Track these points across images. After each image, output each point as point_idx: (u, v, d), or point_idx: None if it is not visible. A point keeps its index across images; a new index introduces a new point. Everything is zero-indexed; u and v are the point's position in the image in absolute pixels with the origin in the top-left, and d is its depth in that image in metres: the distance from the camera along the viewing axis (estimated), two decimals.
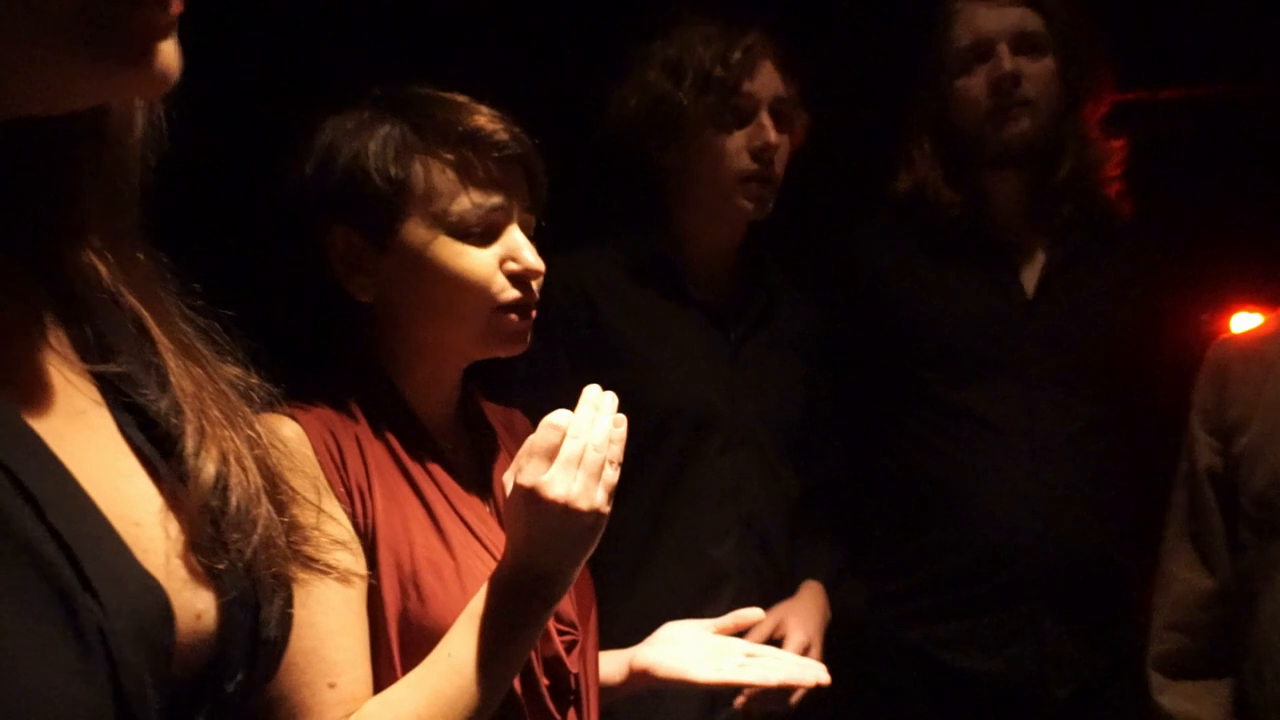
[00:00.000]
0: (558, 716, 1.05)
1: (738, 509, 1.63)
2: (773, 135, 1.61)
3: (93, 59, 0.48)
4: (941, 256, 1.77)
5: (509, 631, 0.94)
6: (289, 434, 0.99)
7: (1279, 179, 2.19)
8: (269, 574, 0.58)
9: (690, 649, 1.20)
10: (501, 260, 1.06)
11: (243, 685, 0.57)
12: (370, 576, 0.97)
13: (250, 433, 0.62)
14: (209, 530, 0.56)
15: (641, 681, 1.20)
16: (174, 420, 0.57)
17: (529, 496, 0.93)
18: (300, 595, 0.64)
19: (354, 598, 0.95)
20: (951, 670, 1.68)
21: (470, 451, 1.14)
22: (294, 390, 1.02)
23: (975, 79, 1.71)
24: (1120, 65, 1.93)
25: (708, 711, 1.56)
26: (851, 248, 1.87)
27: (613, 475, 0.96)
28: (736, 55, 1.58)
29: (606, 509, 0.95)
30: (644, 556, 1.57)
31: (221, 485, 0.57)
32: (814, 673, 1.21)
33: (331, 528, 0.69)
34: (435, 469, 1.07)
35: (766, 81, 1.62)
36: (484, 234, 1.06)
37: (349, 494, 1.00)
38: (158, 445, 0.57)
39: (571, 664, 1.07)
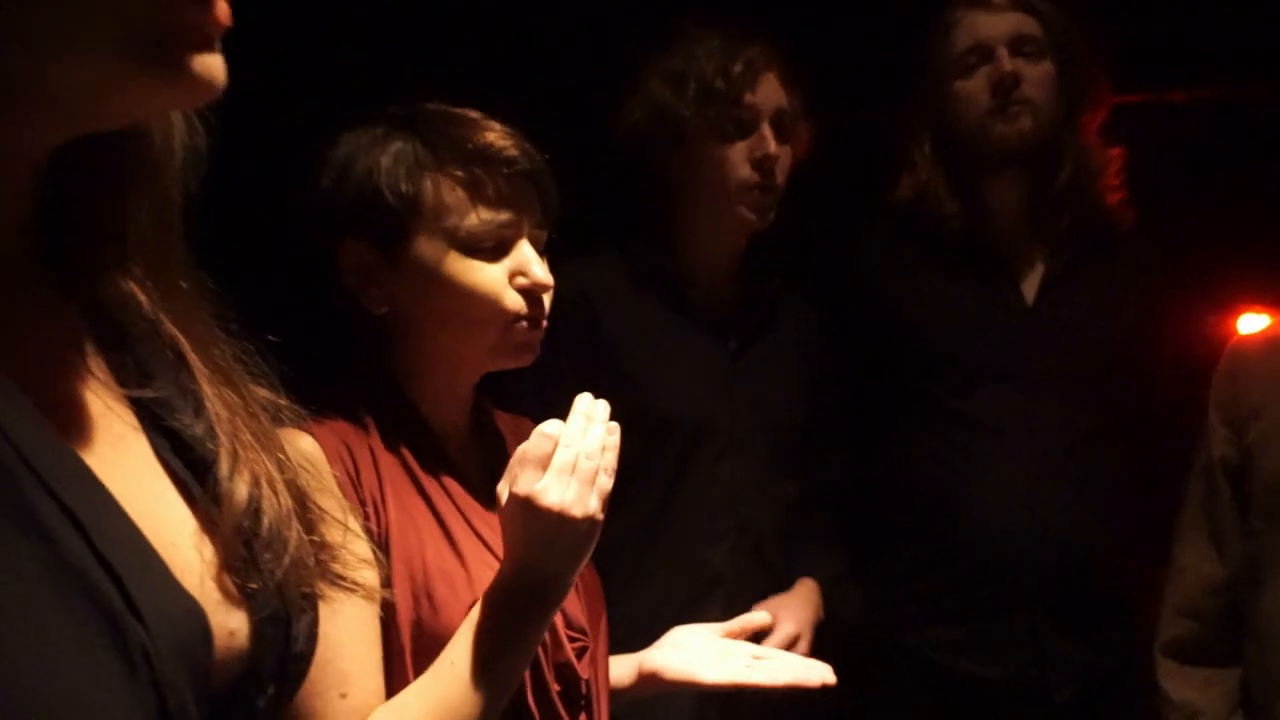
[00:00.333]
0: None
1: (734, 515, 1.65)
2: (773, 146, 1.63)
3: (143, 69, 0.49)
4: (941, 264, 1.79)
5: (510, 637, 0.96)
6: (305, 447, 1.01)
7: None
8: (299, 593, 0.60)
9: (698, 652, 1.23)
10: (511, 275, 1.08)
11: (273, 699, 0.59)
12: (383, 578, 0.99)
13: (280, 455, 0.63)
14: (242, 551, 0.58)
15: (651, 684, 1.22)
16: (208, 445, 0.59)
17: (524, 505, 0.95)
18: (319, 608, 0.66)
19: (368, 610, 0.97)
20: (953, 674, 1.70)
21: (482, 461, 1.16)
22: (309, 402, 1.04)
23: (975, 81, 1.73)
24: (1126, 67, 1.94)
25: (700, 711, 1.58)
26: (852, 255, 1.89)
27: (607, 482, 0.98)
28: (738, 68, 1.60)
29: (601, 515, 0.97)
30: (641, 561, 1.59)
31: (254, 507, 0.59)
32: (820, 673, 1.23)
33: (358, 546, 0.71)
34: (447, 479, 1.08)
35: (768, 93, 1.63)
36: (494, 249, 1.08)
37: (363, 505, 1.01)
38: (192, 469, 0.58)
39: (582, 669, 1.09)
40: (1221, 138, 2.31)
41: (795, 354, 1.76)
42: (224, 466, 0.58)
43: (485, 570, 1.05)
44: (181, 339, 0.61)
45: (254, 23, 0.59)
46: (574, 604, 1.11)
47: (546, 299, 1.10)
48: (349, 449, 1.04)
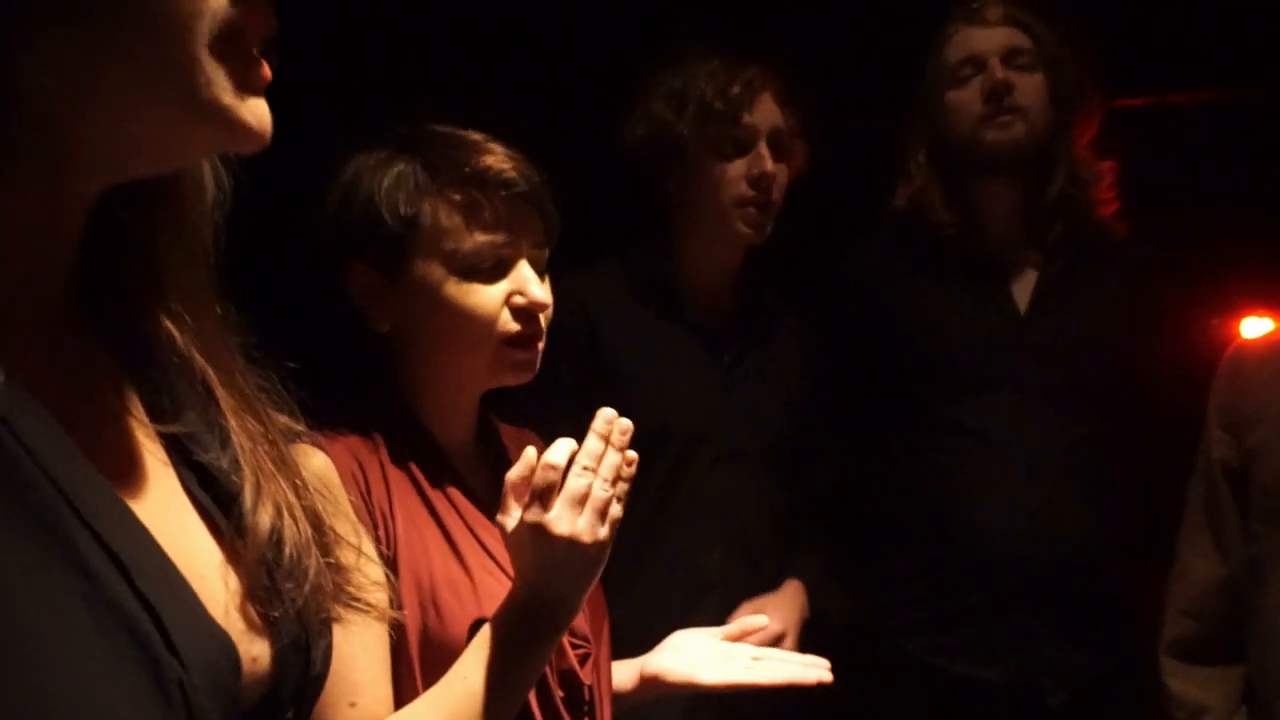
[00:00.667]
0: None
1: (726, 522, 1.69)
2: (769, 165, 1.67)
3: (202, 118, 0.52)
4: (937, 273, 1.82)
5: (520, 656, 0.99)
6: (318, 464, 1.03)
7: None
8: (317, 619, 0.63)
9: (699, 655, 1.25)
10: (509, 295, 1.10)
11: (291, 719, 0.61)
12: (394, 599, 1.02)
13: (297, 480, 0.66)
14: (265, 580, 0.60)
15: (653, 688, 1.25)
16: (233, 478, 0.61)
17: (535, 531, 0.97)
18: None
19: (378, 626, 0.98)
20: (949, 677, 1.73)
21: (487, 474, 1.18)
22: (320, 419, 1.07)
23: (968, 90, 1.76)
24: (1128, 70, 1.95)
25: (692, 713, 1.60)
26: (849, 263, 1.92)
27: (618, 510, 0.99)
28: (736, 88, 1.63)
29: (610, 541, 0.99)
30: (637, 566, 1.62)
31: (276, 538, 0.61)
32: (817, 671, 1.27)
33: (370, 569, 0.73)
34: (453, 492, 1.11)
35: (766, 113, 1.67)
36: (493, 270, 1.10)
37: (372, 518, 1.04)
38: (218, 501, 0.60)
39: (585, 676, 1.12)
40: (1223, 140, 2.32)
41: (790, 365, 1.79)
42: (248, 499, 0.61)
43: (490, 581, 1.08)
44: (210, 372, 0.63)
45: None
46: None
47: (544, 317, 1.13)
48: (359, 464, 1.06)
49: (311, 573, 0.62)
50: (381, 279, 1.11)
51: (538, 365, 1.15)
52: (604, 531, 0.98)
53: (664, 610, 1.55)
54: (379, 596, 0.74)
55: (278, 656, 0.60)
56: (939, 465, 1.75)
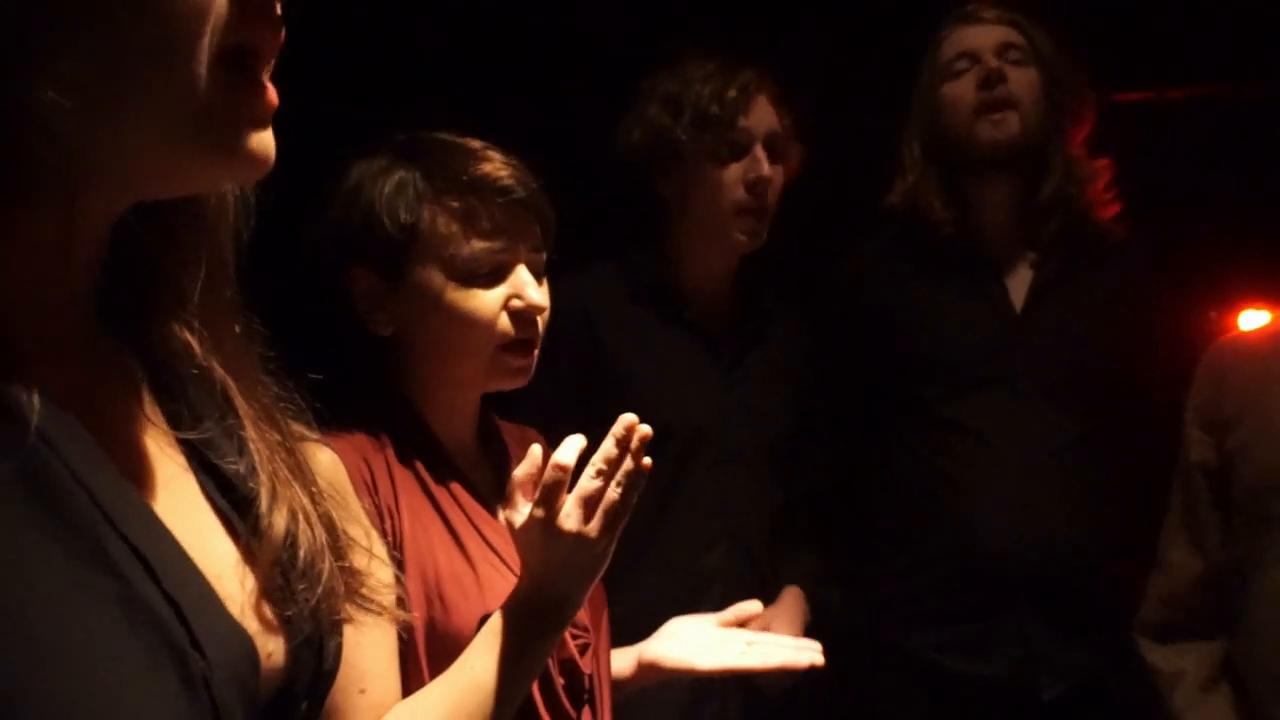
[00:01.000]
0: (573, 714, 1.13)
1: (725, 521, 1.71)
2: (766, 169, 1.68)
3: (206, 149, 0.54)
4: (933, 272, 1.83)
5: (525, 647, 1.02)
6: (327, 462, 1.05)
7: None
8: (330, 619, 0.65)
9: (695, 641, 1.29)
10: (507, 299, 1.13)
11: (305, 713, 0.64)
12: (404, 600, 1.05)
13: (313, 488, 0.68)
14: (279, 581, 0.62)
15: (651, 674, 1.29)
16: (249, 483, 0.63)
17: (544, 527, 1.00)
18: None
19: (386, 620, 1.04)
20: (945, 673, 1.74)
21: (489, 471, 1.22)
22: (329, 419, 1.10)
23: (962, 83, 1.78)
24: (1127, 65, 1.96)
25: (692, 705, 1.64)
26: (847, 265, 1.94)
27: (625, 512, 1.02)
28: (732, 93, 1.66)
29: (615, 540, 1.03)
30: (637, 563, 1.63)
31: (291, 541, 0.63)
32: (809, 655, 1.30)
33: (381, 571, 0.75)
34: (456, 489, 1.15)
35: (761, 117, 1.69)
36: (491, 275, 1.13)
37: (379, 514, 1.08)
38: (235, 505, 0.63)
39: (585, 665, 1.16)
40: (1222, 135, 2.33)
41: (786, 365, 1.82)
42: (264, 503, 0.63)
43: (493, 574, 1.11)
44: (230, 383, 0.65)
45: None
46: None
47: (541, 320, 1.16)
48: (366, 461, 1.10)
49: (325, 575, 0.64)
50: (383, 284, 1.14)
51: (532, 371, 1.18)
52: (611, 531, 1.01)
53: (665, 608, 1.56)
54: (389, 598, 0.77)
55: (292, 653, 0.62)
56: (935, 463, 1.76)
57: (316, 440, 0.76)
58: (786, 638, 1.38)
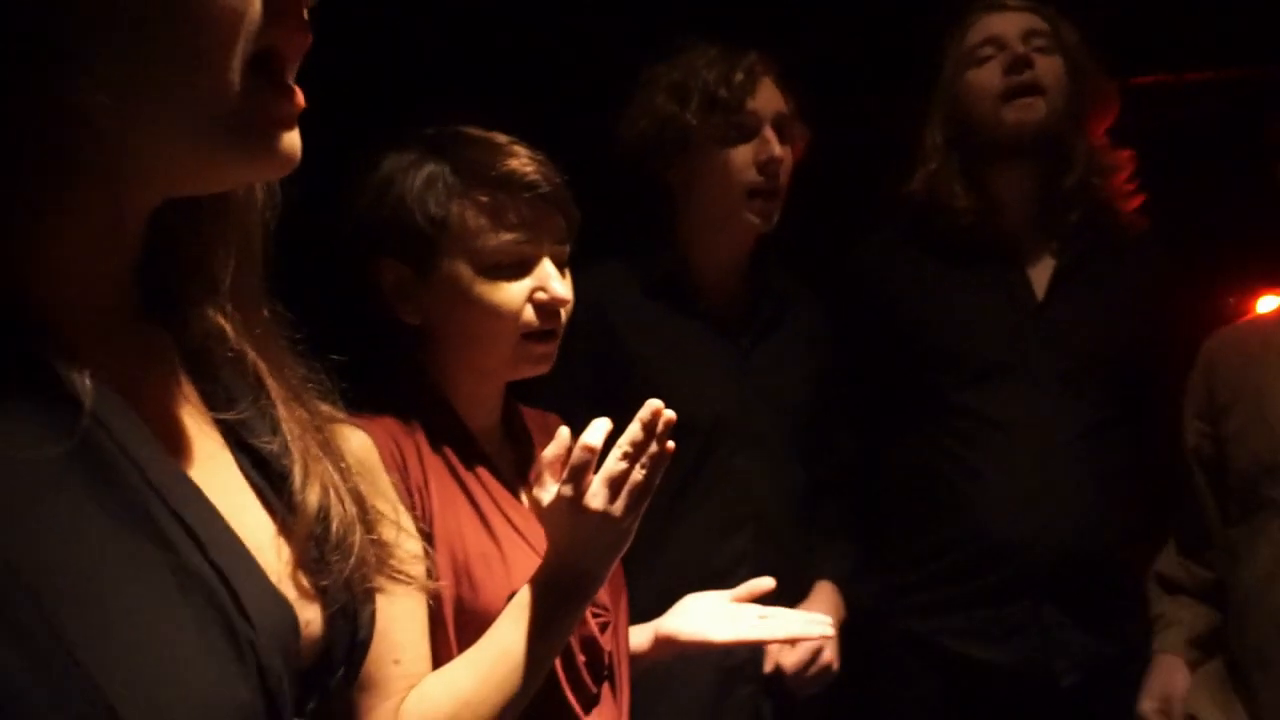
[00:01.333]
0: (593, 689, 1.17)
1: (750, 505, 1.72)
2: (777, 149, 1.69)
3: (238, 149, 0.56)
4: (952, 260, 1.83)
5: (551, 621, 1.06)
6: (358, 443, 1.09)
7: None
8: (362, 588, 0.69)
9: (709, 615, 1.33)
10: (532, 291, 1.17)
11: (341, 679, 0.68)
12: (431, 570, 1.09)
13: (342, 464, 0.72)
14: (314, 553, 0.65)
15: (667, 648, 1.32)
16: (283, 460, 0.67)
17: (572, 505, 1.04)
18: None
19: (417, 594, 1.07)
20: (960, 659, 1.75)
21: (513, 456, 1.26)
22: (360, 403, 1.15)
23: (987, 69, 1.77)
24: (1146, 48, 1.95)
25: (719, 695, 1.67)
26: (864, 252, 1.94)
27: (648, 493, 1.07)
28: (738, 76, 1.66)
29: (638, 520, 1.07)
30: (664, 548, 1.67)
31: (323, 515, 0.66)
32: (820, 628, 1.34)
33: (409, 543, 0.79)
34: (483, 473, 1.19)
35: (768, 98, 1.70)
36: (516, 267, 1.17)
37: (410, 494, 1.12)
38: (270, 481, 0.66)
39: (605, 642, 1.20)
40: (1240, 118, 2.32)
41: (804, 347, 1.82)
42: (297, 479, 0.66)
43: (518, 553, 1.16)
44: (261, 365, 0.68)
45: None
46: None
47: (564, 312, 1.20)
48: (397, 445, 1.14)
49: (356, 547, 0.68)
50: (412, 275, 1.18)
51: (554, 359, 1.21)
52: (634, 511, 1.06)
53: (693, 592, 1.60)
54: (417, 569, 0.81)
55: (329, 622, 0.65)
56: (952, 451, 1.76)
57: (347, 421, 0.79)
58: (797, 612, 1.42)
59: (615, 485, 1.04)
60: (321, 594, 0.66)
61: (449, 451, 1.18)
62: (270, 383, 0.69)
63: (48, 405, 0.51)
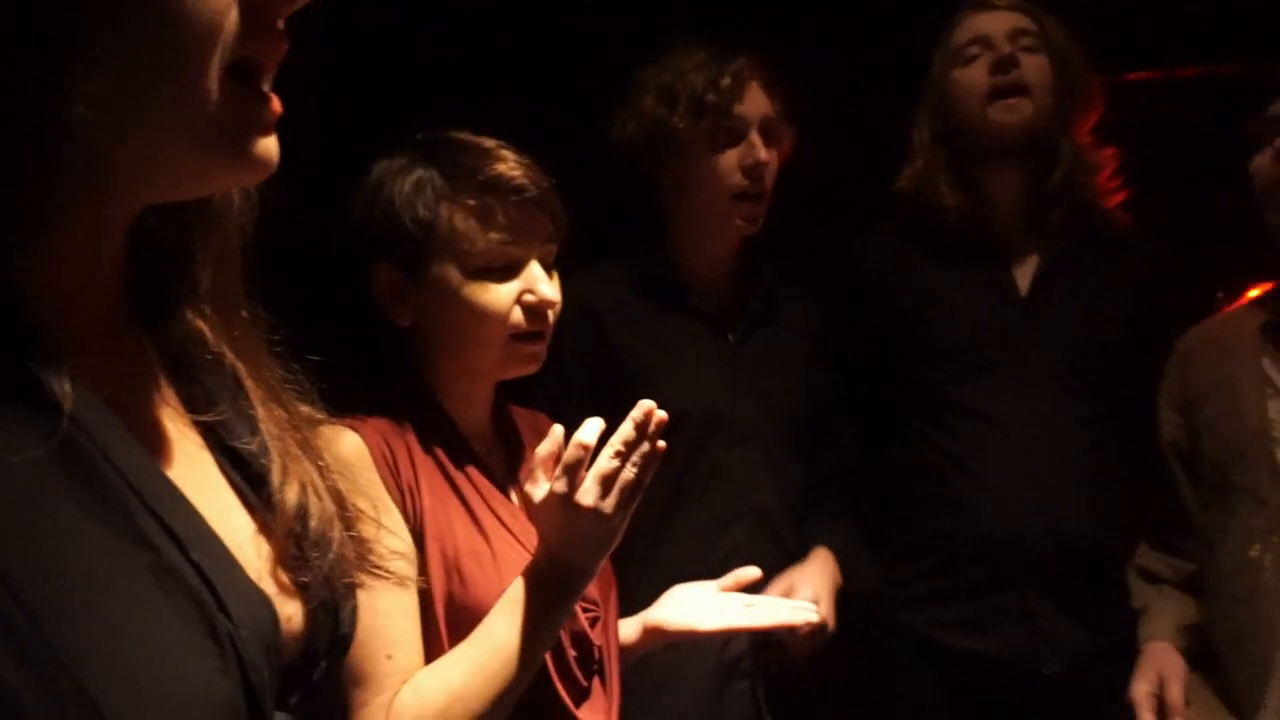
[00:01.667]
0: (584, 683, 1.19)
1: (745, 499, 1.74)
2: (763, 153, 1.71)
3: (217, 155, 0.57)
4: (941, 257, 1.84)
5: (542, 616, 1.09)
6: (349, 443, 1.13)
7: None
8: (342, 584, 0.71)
9: (696, 605, 1.35)
10: (520, 293, 1.19)
11: (324, 672, 0.70)
12: (420, 571, 1.11)
13: (320, 463, 0.73)
14: (293, 550, 0.67)
15: (655, 638, 1.34)
16: (262, 460, 0.68)
17: (564, 501, 1.07)
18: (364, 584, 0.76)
19: (406, 591, 1.09)
20: (949, 650, 1.77)
21: (503, 455, 1.28)
22: (352, 404, 1.18)
23: (974, 68, 1.79)
24: (1137, 45, 1.96)
25: (719, 683, 1.68)
26: (855, 249, 1.95)
27: (639, 492, 1.09)
28: (726, 80, 1.68)
29: (628, 517, 1.09)
30: (659, 543, 1.68)
31: (302, 512, 0.68)
32: (804, 614, 1.36)
33: (390, 540, 0.80)
34: (473, 472, 1.21)
35: (755, 102, 1.72)
36: (505, 270, 1.19)
37: (401, 493, 1.14)
38: (249, 481, 0.67)
39: (595, 637, 1.22)
40: (1231, 115, 2.33)
41: (795, 342, 1.84)
42: (276, 478, 0.67)
43: (508, 550, 1.18)
44: (240, 366, 0.69)
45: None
46: None
47: (553, 313, 1.22)
48: (389, 445, 1.16)
49: (335, 543, 0.69)
50: (403, 278, 1.20)
51: (543, 358, 1.24)
52: (625, 509, 1.08)
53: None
54: (399, 564, 0.82)
55: (310, 617, 0.66)
56: (942, 445, 1.78)
57: (330, 421, 0.80)
58: (783, 599, 1.43)
59: (607, 483, 1.06)
60: (302, 590, 0.67)
61: (440, 451, 1.20)
62: (249, 384, 0.70)
63: (28, 410, 0.52)
